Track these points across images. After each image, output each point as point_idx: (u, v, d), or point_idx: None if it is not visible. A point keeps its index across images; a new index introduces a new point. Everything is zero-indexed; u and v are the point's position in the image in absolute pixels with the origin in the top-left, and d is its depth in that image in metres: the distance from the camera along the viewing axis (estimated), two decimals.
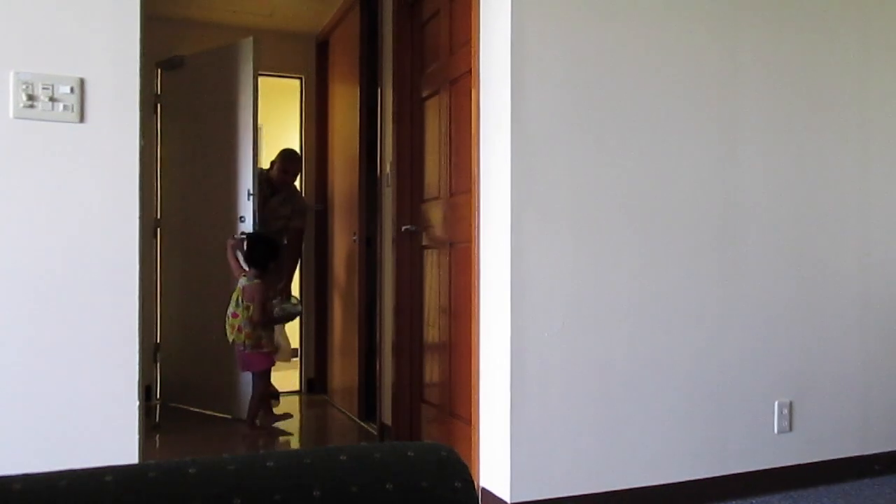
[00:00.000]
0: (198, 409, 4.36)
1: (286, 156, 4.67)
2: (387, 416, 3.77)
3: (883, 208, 3.23)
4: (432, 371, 3.45)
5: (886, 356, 3.21)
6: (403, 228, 3.55)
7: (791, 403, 2.99)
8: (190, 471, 0.78)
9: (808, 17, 3.07)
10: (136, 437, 2.19)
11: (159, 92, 4.55)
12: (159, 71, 4.53)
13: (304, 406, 4.82)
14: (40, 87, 2.10)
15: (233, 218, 4.22)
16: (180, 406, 4.43)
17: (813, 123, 3.08)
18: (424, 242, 3.49)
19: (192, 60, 4.49)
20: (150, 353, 4.37)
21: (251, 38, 4.21)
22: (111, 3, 2.18)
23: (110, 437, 2.17)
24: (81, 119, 2.15)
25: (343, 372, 4.60)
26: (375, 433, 3.92)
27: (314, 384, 5.09)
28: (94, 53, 2.16)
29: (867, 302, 3.17)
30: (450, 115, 3.21)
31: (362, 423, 4.16)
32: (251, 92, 4.19)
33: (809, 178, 3.07)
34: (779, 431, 2.96)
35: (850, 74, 3.16)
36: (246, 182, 4.20)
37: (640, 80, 2.75)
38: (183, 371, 4.48)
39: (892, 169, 3.25)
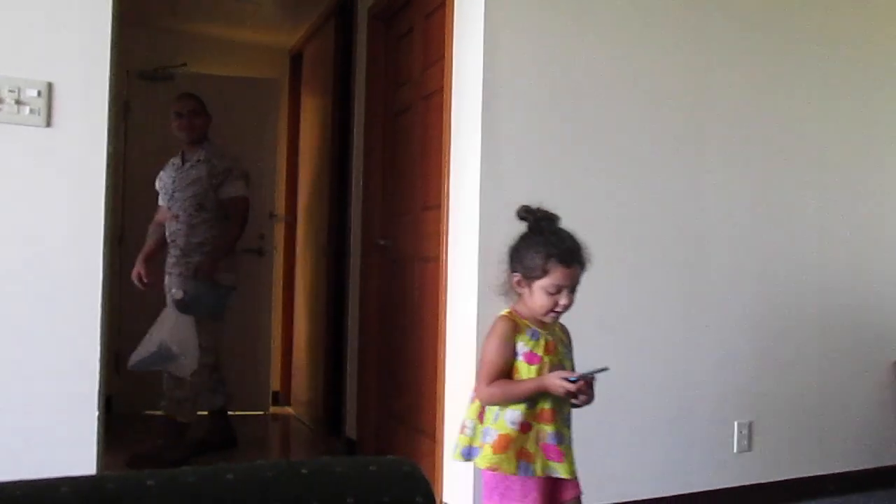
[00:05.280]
0: (153, 413, 4.27)
1: (174, 100, 3.70)
2: (352, 432, 3.75)
3: (841, 235, 3.31)
4: (399, 387, 3.44)
5: (842, 379, 3.28)
6: (375, 242, 3.54)
7: (751, 424, 3.03)
8: (148, 483, 0.78)
9: (773, 50, 3.15)
10: (95, 447, 2.15)
11: (129, 100, 4.51)
12: (128, 77, 4.48)
13: (268, 419, 4.76)
14: (6, 89, 2.06)
15: None
16: (143, 413, 4.35)
17: (775, 151, 3.15)
18: (395, 256, 3.49)
19: (199, 79, 4.46)
20: (112, 363, 4.29)
21: (278, 79, 4.94)
22: (82, 7, 2.15)
23: (68, 447, 2.12)
24: (48, 123, 2.11)
25: (309, 386, 4.56)
26: (341, 448, 3.89)
27: (279, 397, 5.04)
28: (63, 57, 2.13)
29: (825, 326, 3.24)
30: (422, 130, 3.22)
31: (328, 438, 4.13)
32: (275, 129, 4.83)
33: (771, 206, 3.14)
34: (738, 451, 3.00)
35: (812, 103, 3.24)
36: (268, 203, 4.63)
37: (609, 102, 2.80)
38: (145, 381, 4.40)
39: (850, 197, 3.34)
